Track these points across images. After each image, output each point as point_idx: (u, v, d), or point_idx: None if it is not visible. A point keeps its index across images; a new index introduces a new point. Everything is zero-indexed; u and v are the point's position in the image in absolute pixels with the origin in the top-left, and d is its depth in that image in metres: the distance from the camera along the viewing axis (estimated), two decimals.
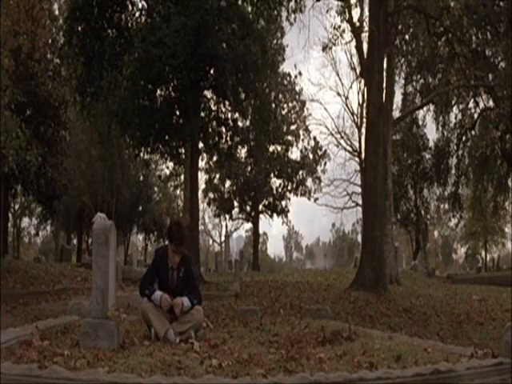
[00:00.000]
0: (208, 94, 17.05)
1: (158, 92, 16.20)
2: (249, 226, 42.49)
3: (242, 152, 30.72)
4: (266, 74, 16.29)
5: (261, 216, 36.49)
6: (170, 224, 5.77)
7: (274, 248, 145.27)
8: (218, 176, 35.08)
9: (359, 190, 29.19)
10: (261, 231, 47.84)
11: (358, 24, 17.60)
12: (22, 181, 24.12)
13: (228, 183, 35.59)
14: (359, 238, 48.79)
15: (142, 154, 18.19)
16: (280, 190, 35.54)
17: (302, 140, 35.07)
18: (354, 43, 18.36)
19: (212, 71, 15.85)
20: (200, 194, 28.42)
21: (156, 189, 34.93)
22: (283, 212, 36.36)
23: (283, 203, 36.21)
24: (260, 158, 30.64)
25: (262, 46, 15.38)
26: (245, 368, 3.55)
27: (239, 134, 18.09)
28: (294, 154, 35.65)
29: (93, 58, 15.54)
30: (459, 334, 7.96)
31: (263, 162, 32.49)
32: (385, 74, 15.92)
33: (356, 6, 18.19)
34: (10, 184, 24.06)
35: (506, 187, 27.42)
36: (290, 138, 34.06)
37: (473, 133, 25.81)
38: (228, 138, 17.28)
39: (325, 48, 16.42)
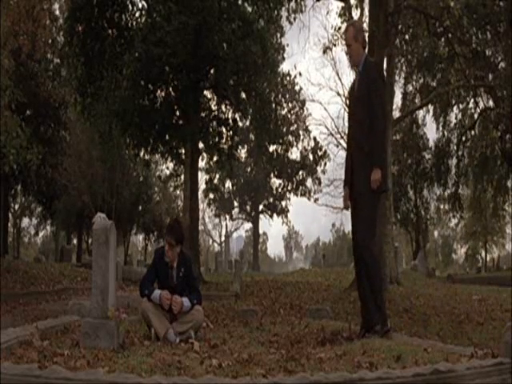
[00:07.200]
0: (208, 94, 17.07)
1: (158, 92, 16.22)
2: (249, 226, 42.60)
3: (242, 152, 30.79)
4: (266, 74, 16.30)
5: (261, 216, 36.57)
6: (170, 220, 5.78)
7: (274, 248, 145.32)
8: (218, 176, 35.11)
9: None
10: (261, 231, 47.93)
11: None
12: (22, 181, 24.12)
13: (228, 183, 35.65)
14: None
15: (142, 154, 18.20)
16: (280, 190, 35.61)
17: (302, 140, 35.14)
18: None
19: (212, 71, 15.87)
20: (200, 194, 28.46)
21: (156, 189, 34.93)
22: (283, 212, 36.46)
23: (283, 203, 36.32)
24: (260, 158, 30.65)
25: (262, 45, 15.38)
26: (245, 368, 3.55)
27: (239, 133, 18.10)
28: (294, 154, 35.75)
29: (93, 58, 15.54)
30: (459, 334, 7.94)
31: (263, 162, 32.51)
32: (385, 74, 15.90)
33: (356, 8, 18.20)
34: (10, 184, 24.06)
35: (506, 188, 27.40)
36: (290, 138, 34.10)
37: (473, 133, 25.79)
38: (228, 138, 17.28)
39: (325, 50, 16.41)
